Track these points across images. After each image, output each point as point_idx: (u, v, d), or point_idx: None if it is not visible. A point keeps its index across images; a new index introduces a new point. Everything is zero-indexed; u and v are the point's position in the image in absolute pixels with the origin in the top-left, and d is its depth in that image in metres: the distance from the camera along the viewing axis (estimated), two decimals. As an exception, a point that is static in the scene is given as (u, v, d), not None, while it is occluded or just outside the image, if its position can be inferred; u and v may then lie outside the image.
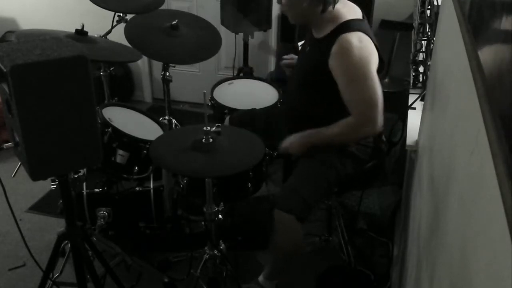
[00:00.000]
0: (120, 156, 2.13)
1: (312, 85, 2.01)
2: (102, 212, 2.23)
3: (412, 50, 2.49)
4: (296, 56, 2.31)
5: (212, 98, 2.52)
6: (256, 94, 2.62)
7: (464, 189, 0.88)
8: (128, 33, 2.42)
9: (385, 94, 1.94)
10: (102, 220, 2.22)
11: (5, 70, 1.20)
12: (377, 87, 1.87)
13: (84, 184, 2.24)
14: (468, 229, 0.79)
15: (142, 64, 4.13)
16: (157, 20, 2.55)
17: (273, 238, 2.00)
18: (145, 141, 2.14)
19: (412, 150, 2.05)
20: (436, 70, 1.86)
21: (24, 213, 2.79)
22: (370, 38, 1.89)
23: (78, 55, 1.28)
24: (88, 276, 1.69)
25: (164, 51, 2.48)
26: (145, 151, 2.14)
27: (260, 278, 2.15)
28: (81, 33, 2.17)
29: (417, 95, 2.21)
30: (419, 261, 1.42)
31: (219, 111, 2.47)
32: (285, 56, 2.38)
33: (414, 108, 2.19)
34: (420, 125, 2.07)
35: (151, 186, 2.28)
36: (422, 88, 2.30)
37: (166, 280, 2.20)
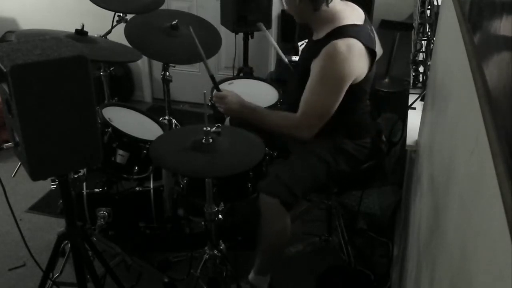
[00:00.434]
0: (120, 156, 2.13)
1: (305, 85, 2.02)
2: (102, 212, 2.22)
3: (412, 50, 2.49)
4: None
5: (212, 98, 2.51)
6: (256, 94, 2.61)
7: (464, 189, 0.88)
8: (128, 33, 2.42)
9: (385, 94, 1.94)
10: (102, 220, 2.22)
11: (5, 70, 1.20)
12: (333, 104, 1.89)
13: (84, 184, 2.24)
14: (468, 229, 0.79)
15: (142, 64, 4.13)
16: (157, 20, 2.55)
17: (260, 227, 2.00)
18: (145, 141, 2.14)
19: (412, 150, 2.05)
20: (436, 70, 1.86)
21: (24, 213, 2.79)
22: (367, 43, 1.86)
23: (78, 55, 1.28)
24: (88, 276, 1.69)
25: (164, 51, 2.48)
26: (145, 151, 2.14)
27: (251, 276, 2.13)
28: (81, 33, 2.17)
29: (417, 95, 2.21)
30: (419, 261, 1.42)
31: (219, 111, 2.46)
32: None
33: (414, 108, 2.19)
34: (420, 125, 2.07)
35: (151, 186, 2.28)
36: (422, 88, 2.30)
37: (166, 280, 2.20)
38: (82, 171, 2.14)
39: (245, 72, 3.41)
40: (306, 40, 2.34)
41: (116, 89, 2.91)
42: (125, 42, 2.39)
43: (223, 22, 3.28)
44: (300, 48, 3.08)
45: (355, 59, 1.85)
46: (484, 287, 0.64)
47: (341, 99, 1.89)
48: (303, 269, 2.41)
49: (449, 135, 1.18)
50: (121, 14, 2.64)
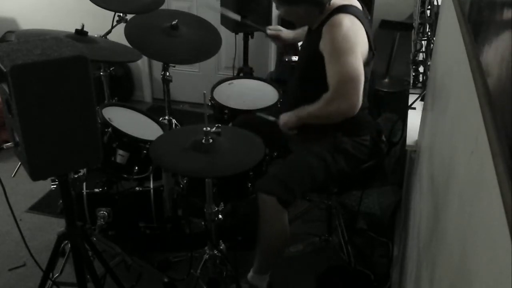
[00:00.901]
0: (120, 156, 2.13)
1: (310, 76, 2.02)
2: (102, 212, 2.22)
3: (412, 50, 2.48)
4: (281, 28, 2.41)
5: (212, 98, 2.52)
6: (256, 94, 2.61)
7: (464, 189, 0.88)
8: (128, 33, 2.42)
9: (385, 94, 1.95)
10: (102, 220, 2.21)
11: (5, 70, 1.20)
12: (357, 64, 1.84)
13: (84, 184, 2.24)
14: (468, 229, 0.79)
15: (142, 64, 4.13)
16: (157, 20, 2.55)
17: (259, 226, 1.99)
18: (145, 141, 2.14)
19: (412, 150, 2.05)
20: (436, 70, 1.86)
21: (24, 213, 2.79)
22: (363, 25, 1.90)
23: (78, 55, 1.28)
24: (88, 276, 1.69)
25: (164, 51, 2.49)
26: (145, 151, 2.14)
27: (249, 275, 2.12)
28: (81, 33, 2.17)
29: (417, 95, 2.21)
30: (419, 261, 1.42)
31: (219, 111, 2.47)
32: (270, 27, 2.44)
33: (414, 108, 2.19)
34: (420, 125, 2.07)
35: (151, 186, 2.28)
36: (422, 88, 2.30)
37: (166, 280, 2.20)
38: (82, 171, 2.14)
39: (245, 72, 3.41)
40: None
41: (116, 89, 2.91)
42: (125, 42, 2.39)
43: (223, 22, 3.28)
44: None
45: (359, 31, 1.88)
46: (484, 287, 0.64)
47: (361, 61, 1.86)
48: (303, 269, 2.41)
49: (449, 135, 1.18)
50: (121, 14, 2.64)
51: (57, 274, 2.05)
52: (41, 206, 2.87)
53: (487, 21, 0.82)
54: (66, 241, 1.69)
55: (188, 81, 4.08)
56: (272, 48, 3.81)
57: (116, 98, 2.72)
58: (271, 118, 2.11)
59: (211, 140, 1.75)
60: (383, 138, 2.19)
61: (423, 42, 2.35)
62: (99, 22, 2.66)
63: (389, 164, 2.84)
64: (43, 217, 2.77)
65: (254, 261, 2.13)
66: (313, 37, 1.96)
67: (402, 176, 2.76)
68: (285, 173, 1.96)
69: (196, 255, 2.17)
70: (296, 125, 2.01)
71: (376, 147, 2.12)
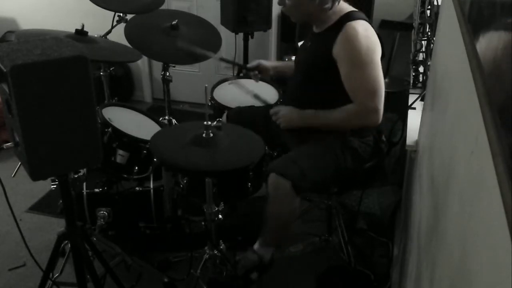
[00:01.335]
0: (120, 156, 2.13)
1: (315, 80, 2.02)
2: (102, 212, 2.22)
3: (412, 50, 2.48)
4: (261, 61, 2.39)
5: (212, 98, 2.52)
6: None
7: (464, 189, 0.88)
8: (128, 33, 2.42)
9: (385, 94, 1.95)
10: (102, 220, 2.21)
11: (5, 70, 1.20)
12: (380, 77, 1.89)
13: (84, 184, 2.24)
14: (468, 229, 0.79)
15: (142, 64, 4.13)
16: (157, 20, 2.55)
17: (267, 204, 1.98)
18: (145, 141, 2.14)
19: (412, 150, 2.05)
20: (436, 70, 1.86)
21: (24, 213, 2.79)
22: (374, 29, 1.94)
23: (78, 55, 1.28)
24: (88, 276, 1.69)
25: (164, 51, 2.48)
26: (145, 151, 2.14)
27: (256, 246, 2.12)
28: (81, 33, 2.17)
29: (417, 95, 2.21)
30: (419, 261, 1.42)
31: (219, 111, 2.47)
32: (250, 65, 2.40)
33: (414, 108, 2.19)
34: (420, 125, 2.07)
35: (151, 186, 2.28)
36: (422, 88, 2.30)
37: (166, 280, 2.20)
38: (82, 171, 2.14)
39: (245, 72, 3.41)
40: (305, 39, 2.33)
41: (116, 89, 2.91)
42: (125, 42, 2.39)
43: (223, 22, 3.28)
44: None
45: (373, 37, 1.91)
46: (484, 287, 0.64)
47: (381, 69, 1.89)
48: (303, 269, 2.41)
49: (449, 135, 1.18)
50: (121, 14, 2.64)
51: (57, 274, 2.05)
52: (41, 206, 2.87)
53: (487, 21, 0.82)
54: (66, 241, 1.69)
55: (188, 81, 4.08)
56: (272, 48, 3.81)
57: (116, 98, 2.72)
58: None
59: (211, 135, 1.75)
60: (383, 138, 2.19)
61: (423, 42, 2.35)
62: (99, 22, 2.66)
63: (389, 164, 2.84)
64: (43, 217, 2.77)
65: (261, 233, 2.12)
66: (323, 40, 1.96)
67: (402, 176, 2.76)
68: (304, 160, 1.95)
69: (196, 255, 2.17)
70: (299, 126, 2.01)
71: (376, 147, 2.12)
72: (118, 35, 2.46)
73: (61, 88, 1.28)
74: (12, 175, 2.34)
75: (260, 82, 2.73)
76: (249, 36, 3.35)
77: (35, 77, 1.24)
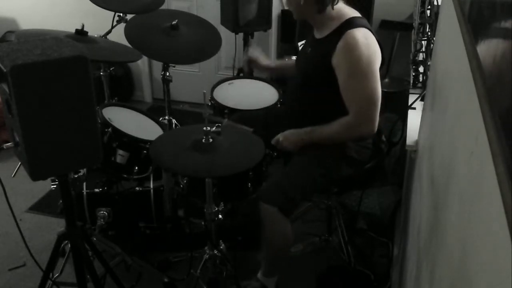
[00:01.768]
0: (120, 156, 2.13)
1: (314, 85, 2.01)
2: (102, 212, 2.22)
3: (412, 50, 2.48)
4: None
5: (212, 98, 2.52)
6: (256, 94, 2.62)
7: (464, 189, 0.88)
8: (128, 33, 2.42)
9: (385, 94, 1.95)
10: (102, 220, 2.21)
11: (5, 70, 1.20)
12: (377, 87, 1.87)
13: (84, 184, 2.24)
14: (468, 229, 0.79)
15: (142, 64, 4.13)
16: (157, 20, 2.55)
17: (263, 233, 2.01)
18: (145, 141, 2.14)
19: (412, 150, 2.05)
20: (436, 70, 1.86)
21: (24, 213, 2.79)
22: (374, 35, 1.92)
23: (78, 55, 1.28)
24: (88, 276, 1.69)
25: (164, 51, 2.48)
26: (145, 151, 2.14)
27: (259, 275, 2.15)
28: (81, 33, 2.17)
29: (417, 95, 2.21)
30: (419, 261, 1.42)
31: (219, 111, 2.47)
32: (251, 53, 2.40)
33: (414, 108, 2.19)
34: (420, 125, 2.07)
35: (151, 186, 2.28)
36: (422, 88, 2.30)
37: (166, 280, 2.20)
38: (82, 171, 2.14)
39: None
40: (305, 41, 2.33)
41: (116, 89, 2.91)
42: (125, 42, 2.39)
43: (223, 22, 3.28)
44: (300, 48, 3.08)
45: (373, 45, 1.89)
46: (484, 287, 0.64)
47: (379, 80, 1.88)
48: (303, 269, 2.41)
49: (449, 135, 1.18)
50: (121, 14, 2.64)
51: (57, 274, 2.05)
52: (41, 206, 2.87)
53: (487, 21, 0.82)
54: (66, 241, 1.69)
55: (188, 81, 4.08)
56: (272, 48, 3.81)
57: (116, 98, 2.72)
58: (246, 128, 2.09)
59: (211, 140, 1.75)
60: (383, 138, 2.19)
61: (423, 42, 2.35)
62: (99, 22, 2.66)
63: (389, 164, 2.84)
64: (43, 217, 2.77)
65: (262, 263, 2.16)
66: (323, 47, 1.95)
67: (402, 176, 2.76)
68: (286, 183, 1.96)
69: (196, 255, 2.17)
70: (302, 146, 2.00)
71: (376, 147, 2.12)
72: (118, 35, 2.46)
73: (61, 88, 1.28)
74: (12, 175, 2.34)
75: (260, 83, 2.74)
76: (249, 36, 3.35)
77: (35, 77, 1.24)
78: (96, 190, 2.29)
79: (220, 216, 1.95)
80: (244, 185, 2.07)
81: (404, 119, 2.17)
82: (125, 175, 2.19)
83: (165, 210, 2.33)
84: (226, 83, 2.71)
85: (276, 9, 3.50)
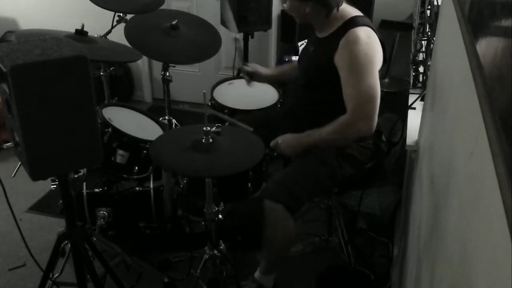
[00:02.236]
0: (120, 156, 2.13)
1: (317, 84, 2.02)
2: (102, 212, 2.22)
3: (412, 50, 2.48)
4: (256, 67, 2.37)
5: (212, 98, 2.52)
6: (256, 94, 2.62)
7: (464, 189, 0.88)
8: (128, 33, 2.42)
9: (385, 94, 1.95)
10: (102, 220, 2.22)
11: (5, 70, 1.20)
12: (376, 86, 1.87)
13: (84, 184, 2.24)
14: (468, 229, 0.79)
15: (142, 64, 4.13)
16: (157, 20, 2.54)
17: (265, 231, 2.00)
18: (145, 141, 2.14)
19: (412, 150, 2.05)
20: (436, 70, 1.86)
21: (24, 213, 2.79)
22: (376, 33, 1.92)
23: (78, 55, 1.28)
24: (88, 276, 1.69)
25: (164, 51, 2.48)
26: (145, 151, 2.14)
27: (256, 274, 2.14)
28: (81, 33, 2.17)
29: (417, 95, 2.21)
30: (419, 261, 1.42)
31: (219, 111, 2.47)
32: (247, 66, 2.39)
33: (414, 108, 2.19)
34: (420, 125, 2.07)
35: (151, 186, 2.28)
36: (422, 88, 2.30)
37: (166, 280, 2.20)
38: (82, 171, 2.14)
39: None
40: (306, 40, 2.33)
41: (116, 89, 2.91)
42: (125, 42, 2.39)
43: (223, 22, 3.27)
44: (300, 48, 3.08)
45: (375, 44, 1.89)
46: (484, 287, 0.64)
47: (378, 80, 1.87)
48: (303, 269, 2.41)
49: (449, 135, 1.18)
50: (121, 14, 2.64)
51: (57, 274, 2.05)
52: (41, 206, 2.87)
53: (487, 21, 0.82)
54: (66, 241, 1.69)
55: (188, 81, 4.08)
56: (272, 48, 3.81)
57: (116, 98, 2.72)
58: (246, 126, 2.09)
59: (211, 140, 1.75)
60: (383, 138, 2.19)
61: (423, 42, 2.35)
62: (99, 22, 2.66)
63: (389, 164, 2.84)
64: (43, 217, 2.77)
65: (261, 262, 2.15)
66: (325, 46, 1.95)
67: (402, 176, 2.76)
68: (292, 181, 1.95)
69: (196, 255, 2.17)
70: (303, 150, 2.00)
71: (376, 147, 2.12)
72: (118, 35, 2.46)
73: (61, 88, 1.28)
74: (12, 175, 2.34)
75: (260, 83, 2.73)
76: (249, 36, 3.35)
77: (35, 77, 1.24)
78: (96, 190, 2.29)
79: (220, 216, 1.95)
80: (244, 185, 2.07)
81: (404, 119, 2.17)
82: (125, 175, 2.19)
83: (165, 210, 2.33)
84: (226, 83, 2.71)
85: (276, 9, 3.50)
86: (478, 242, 0.71)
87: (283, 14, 3.64)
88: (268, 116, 2.37)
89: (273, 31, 3.66)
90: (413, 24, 2.88)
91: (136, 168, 2.17)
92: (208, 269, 2.08)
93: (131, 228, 2.40)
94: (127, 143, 2.14)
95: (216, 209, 1.93)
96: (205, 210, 1.93)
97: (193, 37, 2.55)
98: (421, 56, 2.37)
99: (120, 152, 2.13)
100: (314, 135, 1.96)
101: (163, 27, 2.50)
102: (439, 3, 2.22)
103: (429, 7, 2.36)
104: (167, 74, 2.69)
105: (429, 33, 2.30)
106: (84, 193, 2.25)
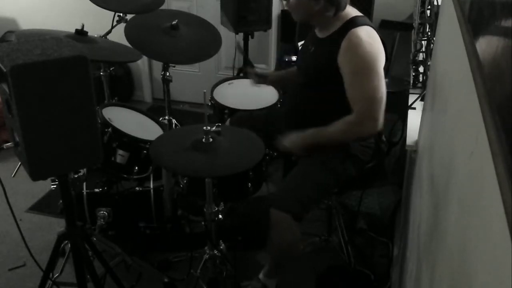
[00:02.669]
0: (120, 156, 2.13)
1: (317, 84, 2.01)
2: (102, 212, 2.23)
3: (412, 50, 2.48)
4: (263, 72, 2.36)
5: (212, 98, 2.52)
6: (256, 94, 2.62)
7: (464, 189, 0.88)
8: (128, 33, 2.42)
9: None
10: (102, 220, 2.22)
11: (5, 70, 1.20)
12: (381, 85, 1.86)
13: (84, 184, 2.24)
14: (468, 229, 0.79)
15: (142, 64, 4.13)
16: (157, 20, 2.55)
17: (269, 237, 2.00)
18: (145, 141, 2.14)
19: (412, 150, 2.05)
20: (436, 70, 1.86)
21: (24, 213, 2.79)
22: (377, 33, 1.92)
23: (78, 55, 1.28)
24: (88, 276, 1.69)
25: (164, 51, 2.48)
26: (145, 151, 2.14)
27: (261, 276, 2.15)
28: (81, 33, 2.17)
29: (417, 95, 2.21)
30: (419, 261, 1.42)
31: (219, 111, 2.47)
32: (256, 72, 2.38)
33: (414, 108, 2.19)
34: (420, 125, 2.07)
35: (151, 186, 2.28)
36: (422, 88, 2.30)
37: (166, 280, 2.20)
38: (82, 171, 2.14)
39: (245, 72, 3.41)
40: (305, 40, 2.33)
41: (116, 89, 2.91)
42: (125, 42, 2.39)
43: (223, 22, 3.28)
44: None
45: (377, 44, 1.89)
46: (484, 287, 0.64)
47: (383, 79, 1.86)
48: (303, 269, 2.41)
49: (449, 135, 1.18)
50: (121, 14, 2.64)
51: (57, 274, 2.05)
52: (41, 206, 2.87)
53: (487, 21, 0.82)
54: (66, 241, 1.69)
55: (188, 81, 4.08)
56: (272, 48, 3.81)
57: (116, 98, 2.72)
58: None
59: (211, 140, 1.75)
60: (383, 138, 2.19)
61: (423, 42, 2.35)
62: (99, 22, 2.66)
63: (389, 164, 2.84)
64: (43, 217, 2.77)
65: (265, 265, 2.16)
66: (326, 46, 1.95)
67: (402, 176, 2.76)
68: (298, 189, 1.94)
69: (196, 255, 2.18)
70: (304, 149, 1.97)
71: (377, 147, 2.12)
72: (118, 35, 2.46)
73: (61, 88, 1.28)
74: (12, 175, 2.34)
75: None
76: (249, 36, 3.35)
77: (35, 77, 1.24)
78: (96, 190, 2.29)
79: (220, 216, 1.95)
80: (244, 185, 2.07)
81: (404, 119, 2.17)
82: (125, 175, 2.19)
83: (165, 210, 2.33)
84: (226, 83, 2.71)
85: (276, 9, 3.50)
86: (478, 242, 0.71)
87: (283, 14, 3.64)
88: (269, 115, 2.37)
89: (273, 31, 3.66)
90: (413, 24, 2.88)
91: (136, 168, 2.17)
92: (208, 269, 2.08)
93: (131, 228, 2.40)
94: (127, 143, 2.14)
95: (216, 209, 1.93)
96: (205, 210, 1.92)
97: (193, 37, 2.55)
98: (421, 56, 2.37)
99: (120, 152, 2.13)
100: (320, 134, 1.95)
101: (163, 27, 2.50)
102: (439, 3, 2.22)
103: (429, 7, 2.36)
104: (167, 74, 2.69)
105: (429, 33, 2.30)
106: (84, 193, 2.25)
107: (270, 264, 2.14)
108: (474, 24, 0.97)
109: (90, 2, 2.47)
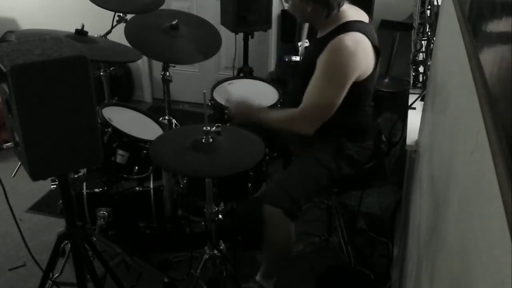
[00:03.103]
0: (120, 156, 2.13)
1: (308, 81, 2.02)
2: (102, 212, 2.22)
3: (412, 50, 2.48)
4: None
5: (212, 98, 2.52)
6: (256, 94, 2.61)
7: (464, 189, 0.88)
8: (128, 33, 2.42)
9: (385, 94, 1.95)
10: (102, 220, 2.22)
11: (5, 70, 1.20)
12: (336, 97, 1.86)
13: (84, 184, 2.24)
14: (468, 229, 0.79)
15: (142, 64, 4.13)
16: (157, 20, 2.54)
17: (264, 235, 2.00)
18: (145, 141, 2.14)
19: (412, 150, 2.05)
20: (436, 70, 1.86)
21: (24, 213, 2.79)
22: (373, 41, 1.90)
23: (78, 55, 1.28)
24: (88, 276, 1.69)
25: (164, 51, 2.48)
26: (145, 151, 2.14)
27: (258, 277, 2.15)
28: (81, 33, 2.17)
29: (417, 95, 2.21)
30: (419, 261, 1.42)
31: (219, 111, 2.46)
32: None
33: (414, 108, 2.19)
34: (420, 125, 2.07)
35: (151, 186, 2.28)
36: (422, 88, 2.30)
37: (166, 280, 2.20)
38: (82, 171, 2.14)
39: (245, 72, 3.41)
40: (306, 40, 2.34)
41: (116, 89, 2.91)
42: (125, 42, 2.39)
43: (223, 22, 3.28)
44: (300, 48, 3.08)
45: (361, 54, 1.86)
46: (484, 287, 0.64)
47: (343, 94, 1.86)
48: (303, 269, 2.41)
49: (449, 135, 1.18)
50: (121, 14, 2.64)
51: (57, 274, 2.05)
52: (41, 206, 2.87)
53: (487, 21, 0.82)
54: (66, 241, 1.68)
55: (188, 81, 4.08)
56: (272, 48, 3.81)
57: (116, 98, 2.72)
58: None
59: (211, 140, 1.75)
60: (383, 138, 2.19)
61: (423, 42, 2.35)
62: (99, 22, 2.66)
63: (389, 164, 2.84)
64: (43, 217, 2.77)
65: (261, 266, 2.15)
66: (318, 47, 1.95)
67: (402, 176, 2.76)
68: (290, 185, 1.95)
69: (196, 255, 2.18)
70: (244, 119, 2.06)
71: (376, 147, 2.12)
72: (118, 35, 2.46)
73: (61, 88, 1.28)
74: (12, 175, 2.34)
75: (260, 83, 2.74)
76: (249, 36, 3.35)
77: (35, 77, 1.24)
78: (96, 190, 2.29)
79: (220, 216, 1.95)
80: (244, 185, 2.07)
81: (404, 119, 2.17)
82: (125, 175, 2.19)
83: (165, 210, 2.33)
84: (226, 83, 2.71)
85: (276, 9, 3.50)
86: (478, 242, 0.71)
87: (283, 14, 3.64)
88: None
89: (273, 31, 3.66)
90: (413, 24, 2.88)
91: (136, 168, 2.17)
92: (208, 269, 2.08)
93: (131, 228, 2.40)
94: (127, 143, 2.14)
95: (216, 209, 1.93)
96: (205, 210, 1.92)
97: (193, 37, 2.55)
98: (421, 56, 2.37)
99: (120, 152, 2.13)
100: (265, 113, 2.03)
101: (163, 27, 2.50)
102: (439, 3, 2.22)
103: (429, 7, 2.36)
104: (167, 74, 2.69)
105: (429, 33, 2.30)
106: (84, 193, 2.25)
107: (266, 263, 2.14)
108: (474, 24, 0.97)
109: (90, 2, 2.47)
